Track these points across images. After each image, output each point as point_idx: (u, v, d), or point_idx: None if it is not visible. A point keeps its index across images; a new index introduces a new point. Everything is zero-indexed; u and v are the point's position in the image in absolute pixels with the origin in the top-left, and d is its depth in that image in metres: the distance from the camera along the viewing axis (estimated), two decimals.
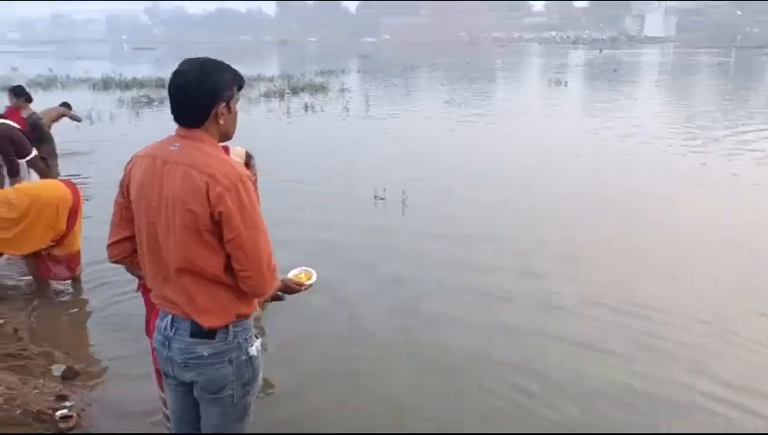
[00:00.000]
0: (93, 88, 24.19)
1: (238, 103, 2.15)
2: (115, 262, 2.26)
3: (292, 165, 9.91)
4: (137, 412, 3.46)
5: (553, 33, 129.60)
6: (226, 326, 2.06)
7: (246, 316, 2.12)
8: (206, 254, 1.99)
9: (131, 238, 2.16)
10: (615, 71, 32.91)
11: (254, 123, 15.17)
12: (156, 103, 18.72)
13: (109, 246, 2.23)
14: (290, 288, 2.66)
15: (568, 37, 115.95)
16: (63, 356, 4.04)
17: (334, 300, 4.94)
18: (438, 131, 13.35)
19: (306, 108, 17.45)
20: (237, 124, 2.16)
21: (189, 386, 2.15)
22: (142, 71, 29.01)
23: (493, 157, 10.50)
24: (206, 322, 2.03)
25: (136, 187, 2.07)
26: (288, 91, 21.83)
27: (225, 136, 2.13)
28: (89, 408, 3.50)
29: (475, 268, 5.72)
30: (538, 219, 7.17)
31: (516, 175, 9.33)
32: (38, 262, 4.92)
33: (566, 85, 24.16)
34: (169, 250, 2.02)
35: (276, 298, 2.66)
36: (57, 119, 10.24)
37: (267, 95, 20.87)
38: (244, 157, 2.85)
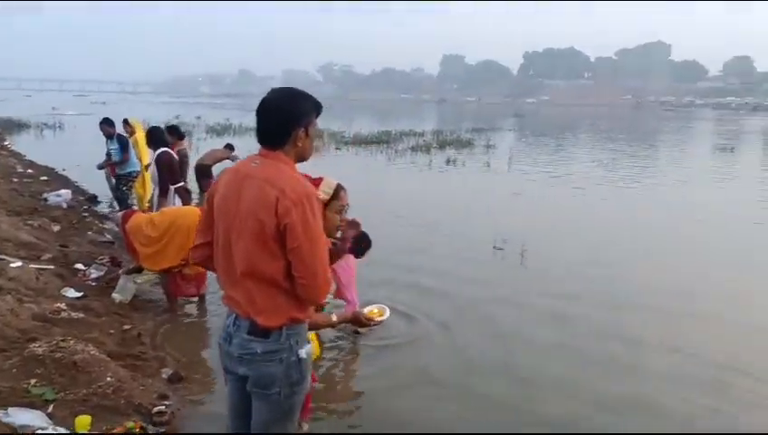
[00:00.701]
0: None
1: (315, 128, 2.40)
2: (196, 264, 2.56)
3: (420, 211, 10.21)
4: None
5: (730, 99, 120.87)
6: (280, 327, 2.26)
7: (299, 321, 2.31)
8: (268, 259, 2.22)
9: (210, 244, 2.43)
10: None
11: (396, 173, 15.84)
12: None
13: (191, 249, 2.55)
14: (359, 321, 2.87)
15: (747, 103, 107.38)
16: (175, 362, 4.47)
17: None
18: (577, 193, 12.94)
19: (449, 162, 17.77)
20: (313, 147, 2.40)
21: (245, 381, 2.35)
22: None
23: (628, 222, 9.98)
24: (263, 320, 2.25)
25: (219, 197, 2.36)
26: (435, 146, 22.39)
27: (302, 157, 2.38)
28: (183, 409, 3.84)
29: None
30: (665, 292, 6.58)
31: (645, 244, 8.69)
32: (170, 278, 5.50)
33: (732, 151, 22.38)
34: (238, 255, 2.27)
35: (356, 331, 2.86)
36: (220, 159, 11.52)
37: (414, 148, 21.55)
38: (334, 187, 3.03)
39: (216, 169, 11.23)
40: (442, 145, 22.76)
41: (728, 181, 14.98)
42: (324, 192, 2.88)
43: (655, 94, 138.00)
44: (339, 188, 3.00)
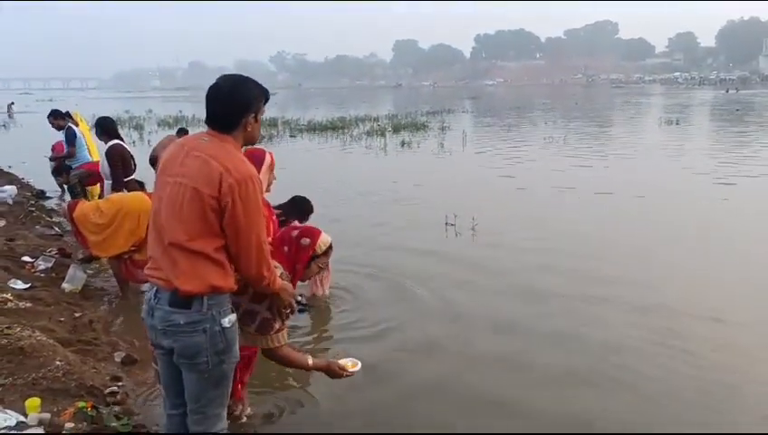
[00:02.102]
0: None
1: (263, 114, 2.51)
2: None
3: (373, 192, 10.33)
4: None
5: (677, 74, 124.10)
6: (201, 296, 2.29)
7: (221, 290, 2.33)
8: (200, 229, 2.28)
9: None
10: (737, 111, 30.99)
11: (353, 157, 15.88)
12: (265, 139, 19.95)
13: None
14: (333, 371, 2.98)
15: (692, 78, 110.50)
16: (127, 346, 4.47)
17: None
18: (526, 169, 13.20)
19: (403, 144, 17.89)
20: (260, 131, 2.51)
21: (172, 354, 2.38)
22: None
23: (574, 197, 10.22)
24: (182, 284, 2.27)
25: (160, 168, 2.44)
26: (389, 130, 22.46)
27: (251, 141, 2.48)
28: (137, 390, 3.86)
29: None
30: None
31: (591, 216, 8.99)
32: (121, 265, 5.47)
33: (677, 124, 23.04)
34: (171, 223, 2.31)
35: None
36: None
37: (369, 133, 21.58)
38: (328, 245, 3.04)
39: None
40: (397, 129, 22.84)
41: (672, 154, 15.42)
42: (320, 247, 2.96)
43: (605, 72, 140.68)
44: (330, 248, 3.08)
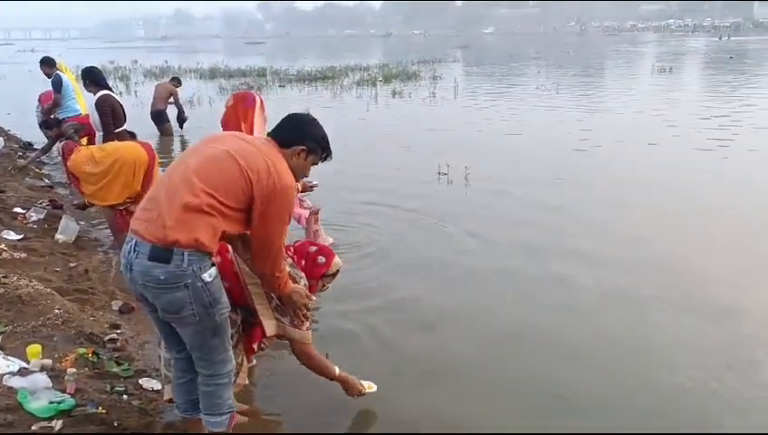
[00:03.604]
0: (201, 77, 25.68)
1: (313, 166, 2.67)
2: None
3: (365, 142, 10.28)
4: None
5: (670, 21, 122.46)
6: (182, 251, 2.26)
7: (203, 247, 2.31)
8: (218, 190, 2.31)
9: None
10: (730, 58, 30.70)
11: (343, 106, 15.71)
12: (254, 90, 19.64)
13: None
14: (353, 387, 3.14)
15: (686, 25, 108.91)
16: (124, 295, 4.50)
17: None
18: (518, 117, 13.14)
19: (394, 94, 17.70)
20: (303, 174, 2.68)
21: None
22: (250, 62, 30.49)
23: (561, 146, 10.23)
24: (169, 228, 2.25)
25: (204, 138, 2.56)
26: (380, 79, 22.18)
27: (293, 174, 2.53)
28: (136, 337, 3.91)
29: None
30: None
31: (573, 166, 9.09)
32: (115, 214, 5.46)
33: (670, 72, 22.85)
34: (192, 171, 2.33)
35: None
36: (169, 96, 11.50)
37: (360, 83, 21.32)
38: (338, 267, 3.11)
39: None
40: (388, 78, 22.56)
41: (664, 102, 15.36)
42: (332, 268, 3.07)
43: (598, 19, 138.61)
44: (338, 271, 3.17)
